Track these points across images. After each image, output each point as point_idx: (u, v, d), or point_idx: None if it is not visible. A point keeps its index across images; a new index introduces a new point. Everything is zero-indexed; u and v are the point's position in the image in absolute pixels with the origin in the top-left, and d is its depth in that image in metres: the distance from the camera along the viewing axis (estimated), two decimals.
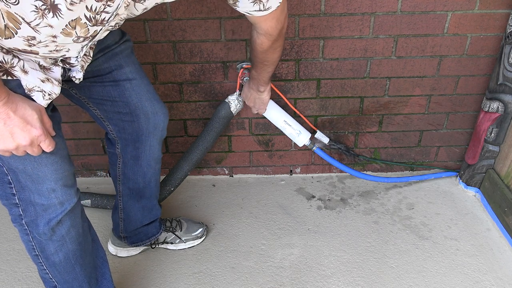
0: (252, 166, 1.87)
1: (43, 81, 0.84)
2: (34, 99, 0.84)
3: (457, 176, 1.84)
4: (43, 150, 0.88)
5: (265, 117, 1.63)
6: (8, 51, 0.78)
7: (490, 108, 1.55)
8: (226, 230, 1.61)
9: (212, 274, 1.43)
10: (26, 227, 1.01)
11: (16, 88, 0.82)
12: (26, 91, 0.82)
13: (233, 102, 1.57)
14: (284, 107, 1.65)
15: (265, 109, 1.56)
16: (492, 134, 1.59)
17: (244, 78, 1.56)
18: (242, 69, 1.56)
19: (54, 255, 1.05)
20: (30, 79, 0.82)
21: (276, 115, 1.61)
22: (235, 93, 1.59)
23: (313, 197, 1.76)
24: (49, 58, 0.84)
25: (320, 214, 1.67)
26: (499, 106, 1.53)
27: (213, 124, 1.59)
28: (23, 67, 0.81)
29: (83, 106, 1.17)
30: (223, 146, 1.80)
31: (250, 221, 1.65)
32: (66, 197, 0.99)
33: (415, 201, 1.73)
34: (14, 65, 0.80)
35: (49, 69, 0.86)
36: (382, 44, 1.55)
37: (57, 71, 0.88)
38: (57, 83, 0.87)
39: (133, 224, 1.41)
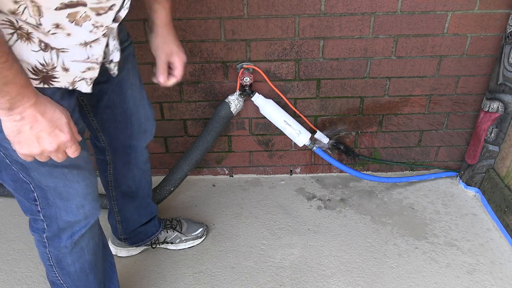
0: (252, 166, 1.87)
1: (83, 72, 0.81)
2: (79, 88, 0.82)
3: (457, 176, 1.84)
4: (74, 167, 0.86)
5: (265, 117, 1.63)
6: (47, 46, 0.72)
7: (490, 108, 1.55)
8: (226, 230, 1.61)
9: (212, 274, 1.43)
10: (46, 240, 0.98)
11: (45, 90, 0.78)
12: (69, 86, 0.80)
13: (233, 102, 1.57)
14: (284, 107, 1.65)
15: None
16: (492, 134, 1.59)
17: (244, 78, 1.57)
18: (242, 69, 1.56)
19: (70, 266, 1.03)
20: (71, 75, 0.79)
21: (276, 115, 1.61)
22: (235, 93, 1.59)
23: (313, 197, 1.76)
24: (96, 14, 0.74)
25: (320, 214, 1.67)
26: (499, 106, 1.53)
27: (213, 124, 1.59)
28: (64, 64, 0.76)
29: (82, 117, 1.12)
30: (223, 146, 1.80)
31: (250, 221, 1.65)
32: (92, 211, 0.98)
33: (415, 201, 1.73)
34: (55, 65, 0.75)
35: (96, 41, 0.79)
36: (382, 44, 1.55)
37: (103, 42, 0.81)
38: (98, 66, 0.83)
39: (131, 225, 1.41)
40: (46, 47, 0.72)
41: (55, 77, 0.77)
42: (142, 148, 1.25)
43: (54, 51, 0.74)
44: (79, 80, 0.81)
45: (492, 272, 1.42)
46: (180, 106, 1.69)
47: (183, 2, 1.45)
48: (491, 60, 1.58)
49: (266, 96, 1.63)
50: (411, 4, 1.47)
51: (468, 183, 1.76)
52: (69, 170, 0.89)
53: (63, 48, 0.75)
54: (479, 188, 1.74)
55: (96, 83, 0.88)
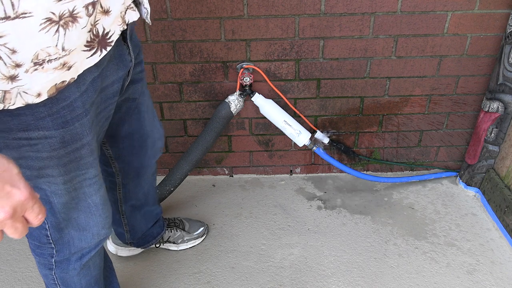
0: (252, 166, 1.87)
1: (123, 3, 0.71)
2: (130, 18, 0.73)
3: (457, 176, 1.84)
4: (98, 196, 0.82)
5: (265, 117, 1.63)
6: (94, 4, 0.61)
7: (490, 108, 1.55)
8: (226, 230, 1.61)
9: (212, 274, 1.43)
10: (53, 264, 0.93)
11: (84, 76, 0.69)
12: (122, 26, 0.71)
13: (233, 102, 1.57)
14: (284, 107, 1.65)
15: None
16: (492, 134, 1.59)
17: (244, 78, 1.57)
18: (242, 69, 1.56)
19: (77, 284, 1.00)
20: (114, 15, 0.68)
21: (276, 115, 1.61)
22: (235, 93, 1.59)
23: (313, 197, 1.76)
24: None
25: (320, 214, 1.67)
26: (499, 106, 1.53)
27: (213, 124, 1.59)
28: (102, 6, 0.65)
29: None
30: (223, 146, 1.80)
31: (250, 221, 1.65)
32: (105, 235, 0.95)
33: (415, 201, 1.73)
34: (98, 20, 0.64)
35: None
36: (382, 44, 1.55)
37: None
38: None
39: (139, 232, 1.40)
40: (87, 9, 0.61)
41: (108, 34, 0.68)
42: (153, 164, 1.23)
43: (91, 6, 0.62)
44: (125, 11, 0.73)
45: (492, 272, 1.42)
46: (180, 106, 1.69)
47: (183, 2, 1.45)
48: (491, 60, 1.58)
49: (266, 96, 1.63)
50: (411, 4, 1.47)
51: (468, 183, 1.76)
52: (94, 203, 0.85)
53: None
54: (479, 188, 1.74)
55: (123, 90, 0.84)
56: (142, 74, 1.00)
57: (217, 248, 1.53)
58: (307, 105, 1.69)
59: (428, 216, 1.65)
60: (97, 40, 0.67)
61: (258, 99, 1.59)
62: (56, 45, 0.59)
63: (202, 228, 1.54)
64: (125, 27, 0.74)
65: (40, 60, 0.59)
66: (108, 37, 0.69)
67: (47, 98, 0.65)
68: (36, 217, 0.54)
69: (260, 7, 1.47)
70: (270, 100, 1.61)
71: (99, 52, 0.68)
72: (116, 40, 0.76)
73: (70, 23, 0.59)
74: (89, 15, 0.62)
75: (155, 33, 1.52)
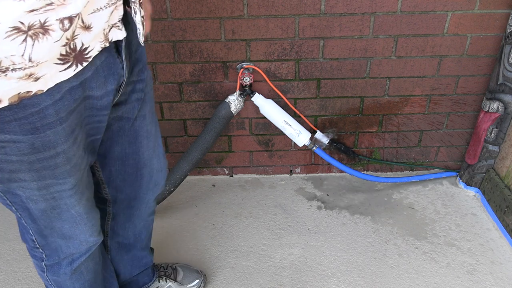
0: (252, 166, 1.87)
1: (108, 20, 0.69)
2: (114, 38, 0.72)
3: (457, 176, 1.84)
4: (84, 208, 0.80)
5: (265, 117, 1.63)
6: (63, 22, 0.60)
7: (490, 108, 1.55)
8: (226, 230, 1.61)
9: (212, 274, 1.43)
10: (45, 267, 0.94)
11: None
12: (104, 43, 0.70)
13: (233, 102, 1.57)
14: (284, 107, 1.65)
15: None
16: (492, 134, 1.59)
17: (244, 78, 1.57)
18: (242, 69, 1.56)
19: (70, 287, 0.99)
20: (95, 32, 0.67)
21: (276, 115, 1.61)
22: (235, 93, 1.59)
23: (313, 197, 1.76)
24: None
25: (320, 214, 1.67)
26: (499, 106, 1.53)
27: (213, 124, 1.59)
28: (83, 22, 0.64)
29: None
30: (223, 146, 1.80)
31: (250, 221, 1.65)
32: (96, 242, 0.94)
33: (415, 201, 1.73)
34: (76, 35, 0.63)
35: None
36: (382, 44, 1.55)
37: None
38: (121, 2, 0.72)
39: (122, 276, 1.26)
40: (62, 23, 0.61)
41: (87, 50, 0.67)
42: (150, 201, 1.13)
43: (67, 21, 0.61)
44: (109, 29, 0.71)
45: (492, 272, 1.42)
46: (180, 106, 1.69)
47: (183, 2, 1.45)
48: (491, 60, 1.58)
49: (266, 96, 1.63)
50: (411, 4, 1.47)
51: (468, 183, 1.76)
52: (78, 213, 0.84)
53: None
54: (479, 188, 1.74)
55: (114, 109, 0.81)
56: (142, 95, 0.92)
57: (217, 248, 1.53)
58: (307, 105, 1.69)
59: (428, 216, 1.65)
60: (73, 55, 0.66)
61: (258, 99, 1.59)
62: (23, 55, 0.59)
63: (197, 281, 1.35)
64: (107, 44, 0.73)
65: (4, 68, 0.59)
66: (86, 52, 0.68)
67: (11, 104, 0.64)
68: None
69: (260, 7, 1.47)
70: (270, 100, 1.61)
71: (74, 66, 0.67)
72: (106, 51, 0.75)
73: (41, 35, 0.59)
74: (65, 30, 0.61)
75: (155, 33, 1.52)
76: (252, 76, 1.58)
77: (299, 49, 1.56)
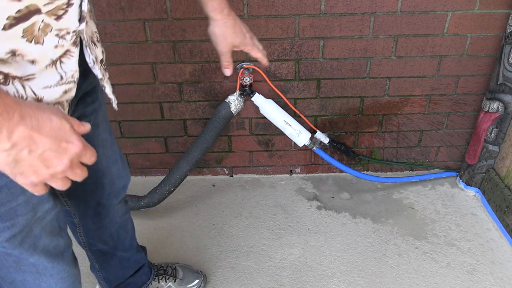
0: (252, 166, 1.87)
1: (60, 97, 0.67)
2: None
3: (457, 176, 1.84)
4: (47, 255, 0.75)
5: (265, 117, 1.63)
6: (7, 77, 0.59)
7: (490, 108, 1.55)
8: (226, 230, 1.61)
9: (212, 274, 1.43)
10: None
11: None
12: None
13: (233, 102, 1.57)
14: (284, 107, 1.65)
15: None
16: (492, 134, 1.59)
17: (244, 78, 1.57)
18: (242, 69, 1.56)
19: None
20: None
21: (276, 115, 1.61)
22: (235, 93, 1.59)
23: (313, 197, 1.76)
24: (56, 18, 0.61)
25: (320, 214, 1.67)
26: (499, 106, 1.53)
27: (213, 124, 1.59)
28: (35, 94, 0.63)
29: None
30: (223, 146, 1.80)
31: (250, 221, 1.65)
32: None
33: (415, 201, 1.73)
34: (25, 98, 0.61)
35: (66, 54, 0.67)
36: (382, 44, 1.55)
37: (75, 54, 0.69)
38: (75, 85, 0.71)
39: (115, 280, 1.24)
40: (6, 78, 0.58)
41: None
42: (115, 205, 1.09)
43: (17, 81, 0.59)
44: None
45: (492, 272, 1.42)
46: (180, 106, 1.69)
47: (183, 2, 1.45)
48: (491, 60, 1.58)
49: (266, 96, 1.63)
50: (411, 4, 1.47)
51: (468, 183, 1.76)
52: (40, 260, 0.77)
53: (28, 76, 0.61)
54: (479, 188, 1.74)
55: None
56: (94, 105, 0.90)
57: (217, 248, 1.53)
58: (307, 105, 1.69)
59: (428, 216, 1.65)
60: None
61: (258, 99, 1.59)
62: None
63: (197, 281, 1.35)
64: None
65: None
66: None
67: None
68: (89, 159, 0.60)
69: (260, 7, 1.47)
70: (270, 100, 1.61)
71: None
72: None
73: None
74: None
75: (155, 33, 1.52)
76: (252, 76, 1.58)
77: (299, 49, 1.56)
